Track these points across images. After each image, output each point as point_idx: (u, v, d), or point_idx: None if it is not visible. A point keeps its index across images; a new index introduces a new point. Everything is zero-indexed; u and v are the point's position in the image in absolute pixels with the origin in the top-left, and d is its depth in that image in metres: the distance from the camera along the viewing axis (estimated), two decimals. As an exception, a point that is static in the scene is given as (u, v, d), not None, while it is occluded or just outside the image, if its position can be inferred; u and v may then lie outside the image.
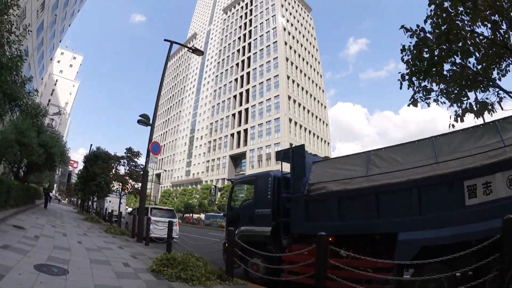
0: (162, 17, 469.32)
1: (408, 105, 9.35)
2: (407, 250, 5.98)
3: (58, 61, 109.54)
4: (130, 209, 40.63)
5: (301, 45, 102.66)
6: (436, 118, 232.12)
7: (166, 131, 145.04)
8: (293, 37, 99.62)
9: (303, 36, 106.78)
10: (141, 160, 30.83)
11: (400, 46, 9.18)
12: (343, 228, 7.43)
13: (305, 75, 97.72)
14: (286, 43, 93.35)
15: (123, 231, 18.55)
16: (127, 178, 29.96)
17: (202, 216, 76.06)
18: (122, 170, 30.71)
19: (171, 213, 21.98)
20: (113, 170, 31.26)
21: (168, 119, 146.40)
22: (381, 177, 6.97)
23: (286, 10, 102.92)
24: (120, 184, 30.12)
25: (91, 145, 36.00)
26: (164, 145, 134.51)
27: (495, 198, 5.35)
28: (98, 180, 30.72)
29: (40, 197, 38.10)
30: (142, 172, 25.79)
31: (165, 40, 17.62)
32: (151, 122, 17.03)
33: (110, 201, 38.61)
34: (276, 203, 9.47)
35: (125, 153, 30.22)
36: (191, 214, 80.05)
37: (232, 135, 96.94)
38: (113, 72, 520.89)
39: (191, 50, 18.70)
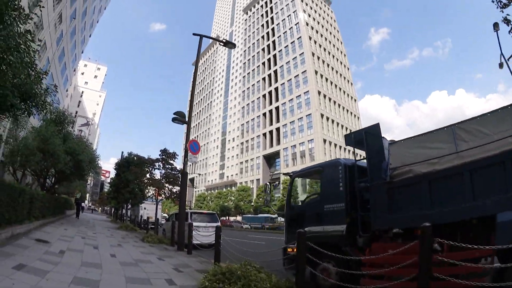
0: (182, 24, 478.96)
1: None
2: (508, 233, 5.01)
3: (82, 73, 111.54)
4: (165, 215, 39.15)
5: (325, 39, 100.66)
6: (462, 105, 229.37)
7: (197, 136, 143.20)
8: (317, 31, 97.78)
9: (326, 30, 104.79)
10: (178, 163, 29.33)
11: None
12: (436, 216, 6.06)
13: (332, 68, 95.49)
14: (310, 38, 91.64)
15: (161, 239, 16.80)
16: (163, 182, 27.42)
17: (239, 218, 75.59)
18: (157, 174, 28.75)
19: (213, 217, 19.90)
20: (148, 174, 29.18)
21: (199, 123, 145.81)
22: (473, 152, 5.98)
23: (307, 4, 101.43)
24: (156, 189, 27.63)
25: (122, 152, 34.40)
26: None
27: None
28: (132, 186, 29.01)
29: (71, 207, 37.43)
30: (179, 175, 24.10)
31: (194, 34, 16.38)
32: (186, 119, 15.51)
33: (145, 208, 36.96)
34: (350, 196, 7.81)
35: (159, 155, 27.90)
36: (227, 217, 78.91)
37: (264, 134, 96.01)
38: (138, 79, 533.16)
39: (222, 43, 17.14)
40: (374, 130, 7.84)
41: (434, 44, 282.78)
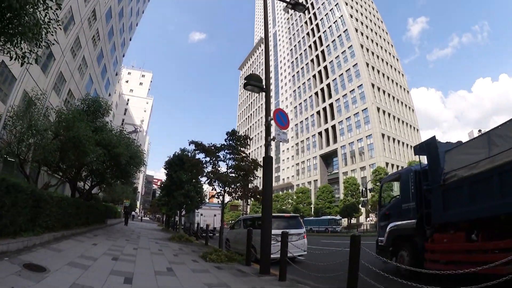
0: (222, 31, 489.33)
1: None
2: None
3: (127, 81, 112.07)
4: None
5: (371, 30, 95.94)
6: (508, 90, 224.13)
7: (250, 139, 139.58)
8: (362, 23, 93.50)
9: (370, 21, 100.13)
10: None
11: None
12: (474, 212, 7.45)
13: (382, 60, 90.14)
14: (356, 30, 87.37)
15: (230, 256, 11.78)
16: (233, 175, 18.69)
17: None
18: (223, 167, 21.54)
19: (296, 222, 14.61)
20: (210, 167, 19.83)
21: (250, 127, 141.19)
22: (501, 157, 6.92)
23: None
24: (224, 185, 18.45)
25: (175, 152, 28.74)
26: (249, 153, 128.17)
27: None
28: (186, 187, 23.82)
29: (116, 216, 35.58)
30: (252, 166, 17.96)
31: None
32: (264, 85, 10.59)
33: (201, 214, 31.40)
34: (419, 196, 9.70)
35: (226, 139, 19.17)
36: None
37: (320, 133, 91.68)
38: (185, 86, 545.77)
39: (290, 6, 12.18)
40: (431, 141, 9.61)
41: (472, 28, 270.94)
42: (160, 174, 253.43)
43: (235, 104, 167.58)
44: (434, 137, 9.62)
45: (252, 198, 18.18)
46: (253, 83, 10.11)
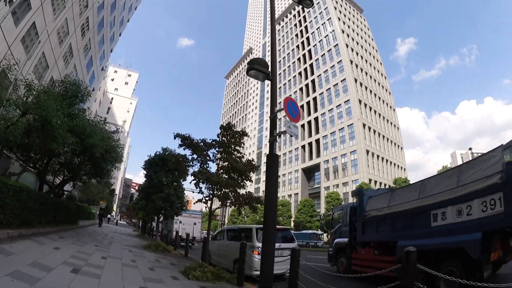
0: (211, 39, 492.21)
1: None
2: (399, 252, 9.78)
3: (112, 79, 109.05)
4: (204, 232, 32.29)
5: (361, 47, 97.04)
6: (491, 113, 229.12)
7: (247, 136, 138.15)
8: (353, 39, 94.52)
9: (361, 38, 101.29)
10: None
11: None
12: (377, 238, 12.56)
13: (370, 77, 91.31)
14: (347, 46, 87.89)
15: (217, 273, 9.92)
16: (225, 176, 15.80)
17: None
18: (212, 167, 18.96)
19: (287, 235, 13.25)
20: (198, 166, 16.78)
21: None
22: (394, 207, 11.61)
23: (340, 12, 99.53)
24: (213, 188, 15.67)
25: (156, 151, 26.08)
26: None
27: (448, 223, 8.94)
28: (167, 191, 21.51)
29: (90, 217, 35.78)
30: (249, 167, 15.56)
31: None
32: (270, 71, 8.68)
33: (180, 222, 29.75)
34: (351, 224, 15.07)
35: (218, 135, 16.52)
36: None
37: (303, 147, 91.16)
38: (170, 91, 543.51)
39: (297, 0, 10.34)
40: (360, 191, 14.84)
41: (461, 51, 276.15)
42: (139, 178, 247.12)
43: (220, 113, 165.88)
44: (362, 188, 16.71)
45: (246, 206, 15.99)
46: (258, 68, 8.16)
